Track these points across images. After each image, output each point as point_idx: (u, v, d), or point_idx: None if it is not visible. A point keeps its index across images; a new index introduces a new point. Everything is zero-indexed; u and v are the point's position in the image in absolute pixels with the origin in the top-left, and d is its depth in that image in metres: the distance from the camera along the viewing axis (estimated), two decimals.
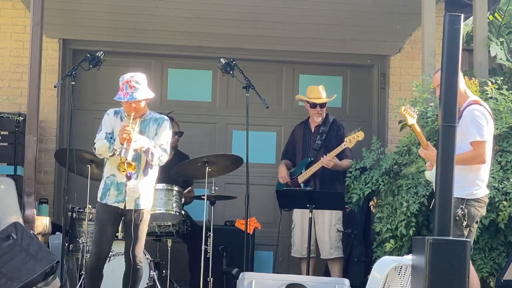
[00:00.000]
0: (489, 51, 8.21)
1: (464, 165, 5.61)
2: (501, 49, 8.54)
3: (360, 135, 7.71)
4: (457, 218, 5.62)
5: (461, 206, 5.65)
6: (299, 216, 7.88)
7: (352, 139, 7.71)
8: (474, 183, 5.76)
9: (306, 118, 8.22)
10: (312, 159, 7.97)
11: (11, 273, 6.72)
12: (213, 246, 7.21)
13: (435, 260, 4.76)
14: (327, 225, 7.84)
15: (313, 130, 8.11)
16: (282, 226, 8.16)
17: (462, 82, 5.92)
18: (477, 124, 5.73)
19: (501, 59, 8.32)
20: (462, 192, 5.64)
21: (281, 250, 8.39)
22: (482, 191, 5.81)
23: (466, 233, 5.71)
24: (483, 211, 5.87)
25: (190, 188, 7.95)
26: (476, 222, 5.90)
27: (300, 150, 8.13)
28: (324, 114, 8.11)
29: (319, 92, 8.05)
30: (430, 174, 5.92)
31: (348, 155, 7.88)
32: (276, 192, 7.64)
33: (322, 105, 8.03)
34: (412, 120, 5.78)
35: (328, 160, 7.73)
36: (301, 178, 7.96)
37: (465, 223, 5.67)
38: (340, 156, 7.83)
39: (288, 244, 8.48)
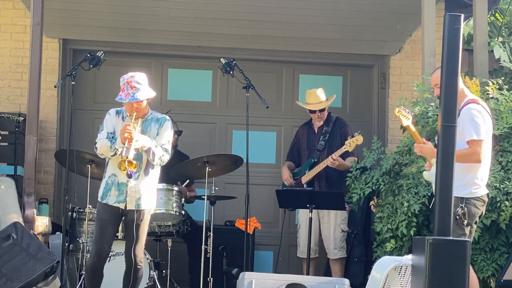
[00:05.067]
0: (491, 52, 8.22)
1: (460, 164, 5.60)
2: (504, 50, 8.55)
3: (359, 139, 7.70)
4: (457, 217, 5.62)
5: (461, 205, 5.66)
6: (305, 216, 7.85)
7: (351, 143, 7.71)
8: (473, 182, 5.77)
9: (310, 119, 8.20)
10: (316, 160, 7.96)
11: (11, 273, 6.72)
12: (213, 246, 7.21)
13: (435, 260, 4.76)
14: (333, 225, 7.84)
15: (316, 131, 8.10)
16: (281, 226, 8.17)
17: (460, 81, 5.92)
18: (474, 123, 5.74)
19: (504, 61, 8.32)
20: (461, 191, 5.64)
21: (282, 250, 8.39)
22: (481, 190, 5.82)
23: (468, 232, 5.72)
24: (483, 209, 5.87)
25: (188, 181, 7.92)
26: (475, 223, 5.90)
27: (305, 151, 8.13)
28: (326, 116, 8.09)
29: (317, 96, 8.00)
30: (429, 174, 5.93)
31: (354, 153, 7.89)
32: (276, 192, 7.63)
33: (321, 110, 8.02)
34: (406, 121, 5.81)
35: (332, 160, 7.73)
36: (305, 179, 7.96)
37: (466, 222, 5.68)
38: (345, 155, 7.83)
39: (289, 244, 8.47)
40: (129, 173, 5.99)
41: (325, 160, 7.81)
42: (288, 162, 8.30)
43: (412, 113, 6.02)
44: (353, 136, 7.76)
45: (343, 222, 7.88)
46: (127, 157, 5.97)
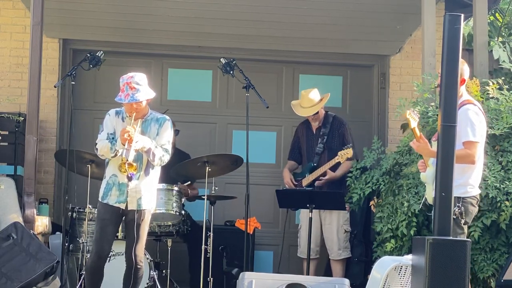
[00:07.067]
0: (491, 52, 8.21)
1: (457, 164, 5.59)
2: (504, 50, 8.54)
3: (349, 152, 7.65)
4: (455, 216, 5.62)
5: (458, 204, 5.66)
6: (306, 216, 7.84)
7: (343, 155, 7.68)
8: (468, 183, 5.78)
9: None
10: (315, 164, 7.93)
11: (11, 273, 6.72)
12: (213, 246, 7.21)
13: (435, 260, 4.76)
14: (335, 225, 7.82)
15: (314, 132, 8.08)
16: (282, 227, 8.16)
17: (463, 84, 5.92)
18: (472, 124, 5.73)
19: (504, 61, 8.32)
20: (457, 191, 5.62)
21: (282, 250, 8.39)
22: (475, 190, 5.84)
23: (466, 231, 5.72)
24: (477, 208, 5.89)
25: (189, 182, 7.92)
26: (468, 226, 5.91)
27: (305, 152, 8.11)
28: (321, 116, 8.02)
29: (309, 100, 7.88)
30: (426, 176, 5.92)
31: (353, 157, 7.81)
32: (276, 192, 7.64)
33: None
34: (414, 123, 5.80)
35: (324, 180, 7.75)
36: (305, 182, 7.94)
37: (463, 221, 5.69)
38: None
39: (289, 244, 8.47)
40: (129, 175, 6.00)
41: (324, 165, 7.79)
42: (289, 162, 8.28)
43: (419, 115, 6.00)
44: (344, 149, 7.71)
45: (346, 223, 7.86)
46: (127, 160, 5.97)
